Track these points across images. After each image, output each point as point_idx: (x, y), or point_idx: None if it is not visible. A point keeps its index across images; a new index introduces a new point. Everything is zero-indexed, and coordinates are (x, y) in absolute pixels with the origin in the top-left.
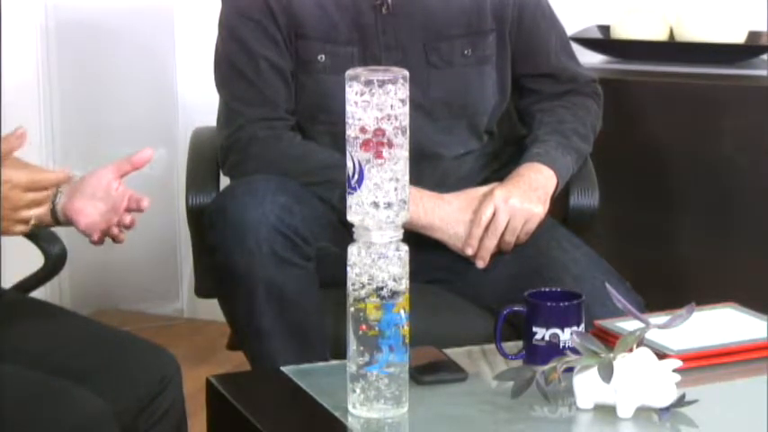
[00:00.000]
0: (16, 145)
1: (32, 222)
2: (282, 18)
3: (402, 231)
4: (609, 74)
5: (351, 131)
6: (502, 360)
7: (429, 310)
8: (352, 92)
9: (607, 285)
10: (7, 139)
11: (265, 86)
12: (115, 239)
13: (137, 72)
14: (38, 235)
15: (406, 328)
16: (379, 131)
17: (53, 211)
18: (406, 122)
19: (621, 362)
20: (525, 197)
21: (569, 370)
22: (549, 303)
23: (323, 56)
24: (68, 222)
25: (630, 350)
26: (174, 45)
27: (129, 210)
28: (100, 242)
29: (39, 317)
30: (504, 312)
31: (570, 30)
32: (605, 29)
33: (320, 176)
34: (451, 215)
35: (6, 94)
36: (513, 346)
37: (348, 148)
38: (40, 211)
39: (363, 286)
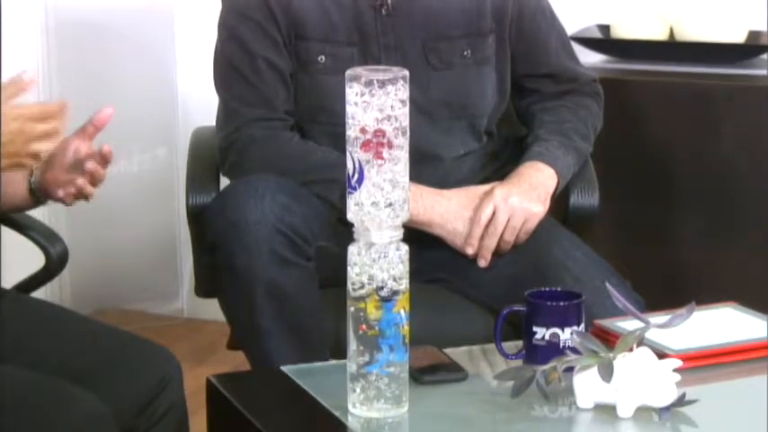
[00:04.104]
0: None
1: (43, 157)
2: (282, 18)
3: (402, 231)
4: (609, 73)
5: (351, 132)
6: (502, 360)
7: (429, 309)
8: (353, 92)
9: (607, 285)
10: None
11: (264, 86)
12: (83, 194)
13: (137, 72)
14: (38, 233)
15: (407, 327)
16: (380, 132)
17: (31, 190)
18: (406, 123)
19: (621, 361)
20: (525, 196)
21: (569, 369)
22: (549, 303)
23: (323, 56)
24: (46, 197)
25: (630, 350)
26: (174, 45)
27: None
28: (69, 201)
29: (39, 317)
30: (505, 312)
31: (570, 29)
32: (605, 28)
33: (319, 175)
34: (451, 211)
35: None
36: (513, 345)
37: (348, 149)
38: (50, 147)
39: (363, 286)
